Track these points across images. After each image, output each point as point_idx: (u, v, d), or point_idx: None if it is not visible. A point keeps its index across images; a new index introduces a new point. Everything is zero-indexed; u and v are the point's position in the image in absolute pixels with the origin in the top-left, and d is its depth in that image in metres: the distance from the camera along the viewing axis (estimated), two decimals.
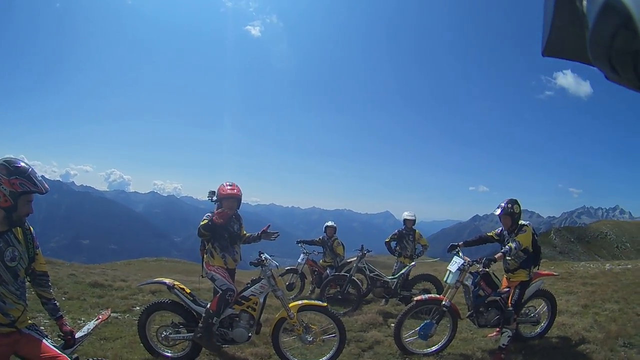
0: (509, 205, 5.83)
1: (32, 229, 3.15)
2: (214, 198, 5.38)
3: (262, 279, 5.24)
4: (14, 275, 2.96)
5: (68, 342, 3.30)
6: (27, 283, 3.21)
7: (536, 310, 6.57)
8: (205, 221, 5.11)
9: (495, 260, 5.58)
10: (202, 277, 5.48)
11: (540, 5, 0.79)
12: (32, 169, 2.97)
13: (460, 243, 6.12)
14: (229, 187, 5.29)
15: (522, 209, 5.95)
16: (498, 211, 5.87)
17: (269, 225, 5.70)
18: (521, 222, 5.89)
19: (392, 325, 6.27)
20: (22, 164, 2.95)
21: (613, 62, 0.64)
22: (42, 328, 4.79)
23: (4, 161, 2.89)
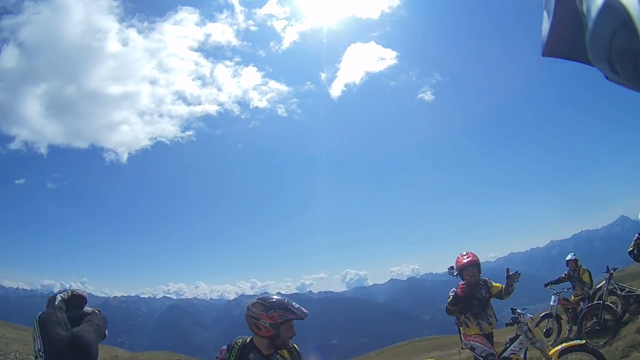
0: None
1: (296, 346, 3.44)
2: (455, 273, 5.67)
3: (519, 335, 5.20)
4: None
5: None
6: None
7: None
8: (450, 297, 5.42)
9: None
10: (462, 348, 5.65)
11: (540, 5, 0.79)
12: (287, 299, 3.31)
13: None
14: (464, 258, 5.56)
15: None
16: None
17: (508, 269, 5.65)
18: None
19: None
20: (276, 298, 3.29)
21: (613, 62, 0.65)
22: None
23: (258, 300, 3.28)
